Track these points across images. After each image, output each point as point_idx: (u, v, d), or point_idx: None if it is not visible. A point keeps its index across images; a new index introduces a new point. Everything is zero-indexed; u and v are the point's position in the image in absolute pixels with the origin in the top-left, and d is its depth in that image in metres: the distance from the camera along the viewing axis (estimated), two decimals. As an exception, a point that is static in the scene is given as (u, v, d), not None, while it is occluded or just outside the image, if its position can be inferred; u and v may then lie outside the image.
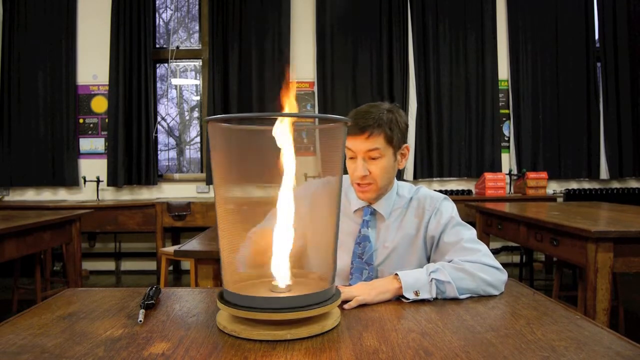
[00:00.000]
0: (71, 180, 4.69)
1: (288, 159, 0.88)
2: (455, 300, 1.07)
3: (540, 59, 4.82)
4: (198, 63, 5.07)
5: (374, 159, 1.23)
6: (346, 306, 1.01)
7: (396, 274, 1.09)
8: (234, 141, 0.94)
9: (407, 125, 1.29)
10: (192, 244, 2.08)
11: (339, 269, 1.29)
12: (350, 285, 1.17)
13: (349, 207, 1.34)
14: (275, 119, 0.88)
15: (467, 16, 4.79)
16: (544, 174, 4.50)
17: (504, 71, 4.85)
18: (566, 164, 4.83)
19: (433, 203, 1.30)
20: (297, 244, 0.95)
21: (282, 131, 0.88)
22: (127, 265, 4.86)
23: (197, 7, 5.07)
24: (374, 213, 1.31)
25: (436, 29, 4.78)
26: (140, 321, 0.91)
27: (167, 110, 5.24)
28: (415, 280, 1.07)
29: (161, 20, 5.15)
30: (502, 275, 1.13)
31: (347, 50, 4.74)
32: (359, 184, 1.26)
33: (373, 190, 1.26)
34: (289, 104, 0.90)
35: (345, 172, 1.30)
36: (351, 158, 1.26)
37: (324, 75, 4.75)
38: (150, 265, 4.75)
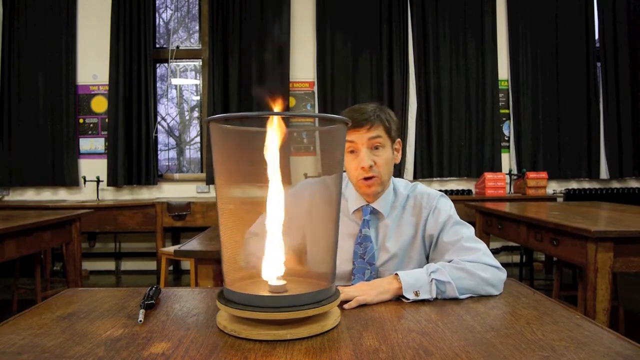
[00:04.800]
0: (71, 180, 4.69)
1: (275, 157, 0.89)
2: (455, 300, 1.07)
3: (540, 59, 4.82)
4: (198, 63, 5.07)
5: (377, 148, 1.25)
6: (346, 306, 1.01)
7: (396, 274, 1.09)
8: (235, 140, 0.94)
9: (397, 121, 1.33)
10: (192, 244, 2.08)
11: (341, 270, 1.28)
12: (353, 285, 1.17)
13: (347, 207, 1.33)
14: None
15: (467, 16, 4.79)
16: (544, 174, 4.50)
17: (504, 71, 4.85)
18: (566, 164, 4.84)
19: (430, 201, 1.30)
20: (295, 243, 0.95)
21: (272, 129, 0.88)
22: (127, 265, 4.86)
23: (197, 7, 5.07)
24: (373, 212, 1.31)
25: (436, 29, 4.78)
26: (140, 321, 0.91)
27: (167, 110, 5.24)
28: (416, 280, 1.07)
29: (161, 20, 5.15)
30: (502, 274, 1.13)
31: (347, 50, 4.74)
32: (364, 179, 1.25)
33: (378, 183, 1.26)
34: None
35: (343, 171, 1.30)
36: (352, 152, 1.26)
37: (324, 75, 4.75)
38: (150, 265, 4.74)
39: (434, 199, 1.29)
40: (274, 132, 0.88)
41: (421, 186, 1.36)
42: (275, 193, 0.89)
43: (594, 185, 4.89)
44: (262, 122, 0.89)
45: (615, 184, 4.91)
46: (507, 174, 4.71)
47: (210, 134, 0.91)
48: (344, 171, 1.33)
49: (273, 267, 0.91)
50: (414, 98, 4.74)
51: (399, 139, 1.33)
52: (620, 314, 2.68)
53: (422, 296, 1.06)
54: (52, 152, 4.68)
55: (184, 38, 5.15)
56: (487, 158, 4.78)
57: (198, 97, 5.26)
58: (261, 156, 0.89)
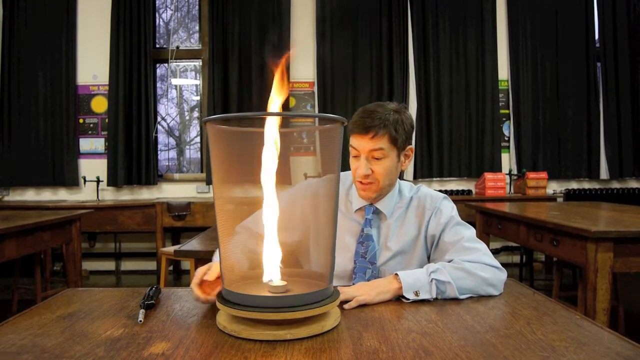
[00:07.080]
0: (71, 180, 4.69)
1: (272, 156, 0.89)
2: (455, 300, 1.07)
3: (540, 59, 4.83)
4: (198, 63, 5.07)
5: (377, 158, 1.23)
6: (346, 306, 1.01)
7: (396, 274, 1.09)
8: (232, 141, 0.94)
9: (412, 127, 1.28)
10: (192, 244, 2.08)
11: (342, 269, 1.29)
12: (353, 285, 1.17)
13: (351, 206, 1.34)
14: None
15: (467, 16, 4.79)
16: (544, 174, 4.50)
17: (504, 71, 4.85)
18: (566, 164, 4.84)
19: (433, 202, 1.30)
20: (293, 243, 0.95)
21: (268, 129, 0.89)
22: (127, 265, 4.86)
23: (197, 7, 5.07)
24: (376, 212, 1.31)
25: (436, 29, 4.78)
26: (140, 321, 0.91)
27: (167, 110, 5.24)
28: (416, 280, 1.07)
29: (161, 20, 5.15)
30: (502, 275, 1.13)
31: (347, 50, 4.74)
32: (360, 182, 1.26)
33: (374, 190, 1.26)
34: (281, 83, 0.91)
35: (346, 169, 1.30)
36: (355, 157, 1.26)
37: (324, 75, 4.74)
38: (150, 265, 4.75)
39: (437, 201, 1.30)
40: (272, 127, 0.88)
41: (425, 188, 1.36)
42: (270, 193, 0.90)
43: (594, 185, 4.89)
44: (261, 122, 0.89)
45: (615, 184, 4.90)
46: (507, 174, 4.71)
47: (208, 134, 0.91)
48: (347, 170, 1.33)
49: (272, 267, 0.91)
50: (414, 98, 4.74)
51: (410, 146, 1.29)
52: (620, 314, 2.68)
53: (422, 296, 1.06)
54: (52, 152, 4.68)
55: (184, 38, 5.15)
56: (487, 158, 4.78)
57: (198, 97, 5.26)
58: (259, 156, 0.89)
